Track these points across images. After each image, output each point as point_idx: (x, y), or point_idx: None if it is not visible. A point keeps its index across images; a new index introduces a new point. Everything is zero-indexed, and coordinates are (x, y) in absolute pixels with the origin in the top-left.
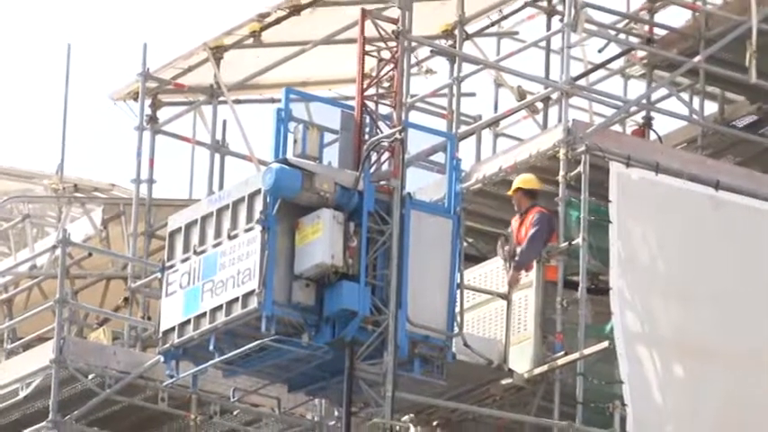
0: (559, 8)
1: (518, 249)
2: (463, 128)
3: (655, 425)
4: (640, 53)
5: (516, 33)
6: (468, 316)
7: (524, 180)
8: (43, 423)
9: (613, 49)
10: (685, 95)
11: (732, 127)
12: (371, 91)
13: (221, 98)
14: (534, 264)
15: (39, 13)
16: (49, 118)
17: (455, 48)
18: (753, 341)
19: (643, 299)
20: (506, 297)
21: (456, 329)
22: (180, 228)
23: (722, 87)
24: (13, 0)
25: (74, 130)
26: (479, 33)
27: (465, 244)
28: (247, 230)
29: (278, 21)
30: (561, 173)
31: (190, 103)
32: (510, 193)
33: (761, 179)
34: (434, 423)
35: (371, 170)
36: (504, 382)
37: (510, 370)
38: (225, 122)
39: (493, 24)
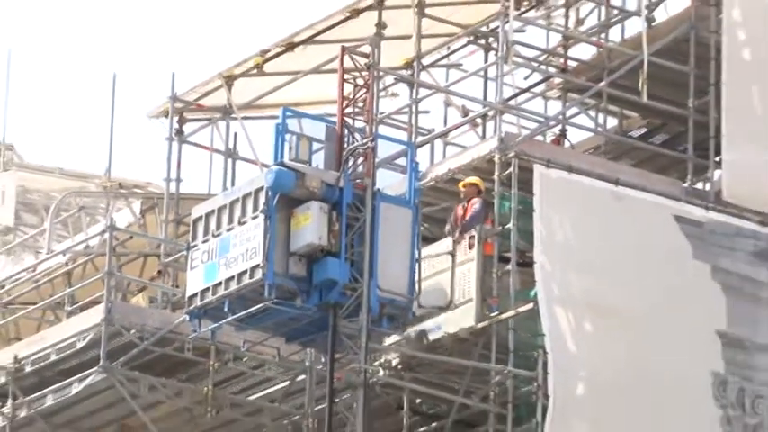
0: (494, 45)
1: (462, 223)
2: (420, 138)
3: (570, 369)
4: (557, 80)
5: (461, 65)
6: (424, 284)
7: (472, 179)
8: (95, 368)
9: (536, 77)
10: (592, 113)
11: (628, 137)
12: (349, 110)
13: (233, 116)
14: (476, 243)
15: (93, 46)
16: (100, 130)
17: (413, 76)
18: (646, 304)
19: (560, 270)
20: (452, 254)
21: (415, 294)
22: (201, 216)
23: (620, 106)
24: (73, 36)
25: (119, 140)
26: (432, 65)
27: (422, 228)
28: (253, 218)
29: (276, 55)
30: (496, 173)
31: (208, 120)
32: (461, 186)
33: (650, 177)
34: (399, 366)
35: (349, 171)
36: (452, 332)
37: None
38: (236, 135)
39: (443, 58)
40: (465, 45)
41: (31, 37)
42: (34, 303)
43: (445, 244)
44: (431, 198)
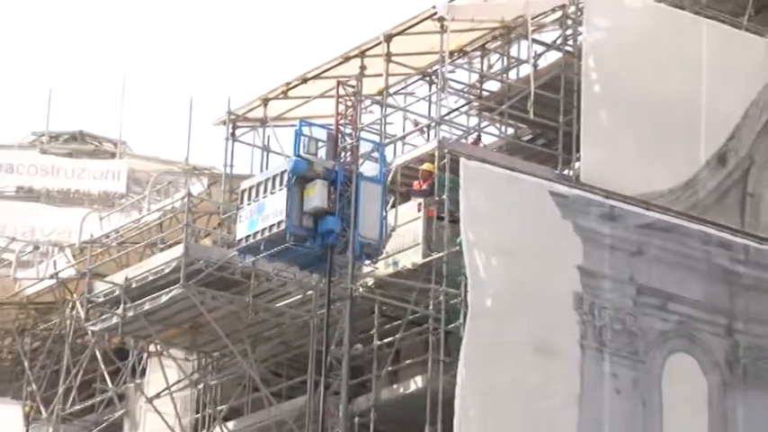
0: (435, 80)
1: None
2: (387, 140)
3: (482, 289)
4: (475, 104)
5: (414, 93)
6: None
7: (429, 165)
8: (177, 285)
9: (462, 102)
10: (498, 125)
11: (521, 141)
12: (342, 121)
13: (267, 124)
14: (423, 207)
15: (173, 73)
16: (181, 132)
17: (383, 100)
18: (531, 246)
19: (475, 225)
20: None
21: (382, 240)
22: (246, 188)
23: (516, 121)
24: (165, 65)
25: (194, 139)
26: (395, 93)
27: (389, 198)
28: (280, 190)
29: (296, 86)
30: (436, 163)
31: (251, 127)
32: (423, 169)
33: (534, 166)
34: (372, 286)
35: (342, 161)
36: (407, 265)
37: None
38: (269, 136)
39: (402, 89)
40: (416, 80)
41: (138, 63)
42: (138, 243)
43: (406, 208)
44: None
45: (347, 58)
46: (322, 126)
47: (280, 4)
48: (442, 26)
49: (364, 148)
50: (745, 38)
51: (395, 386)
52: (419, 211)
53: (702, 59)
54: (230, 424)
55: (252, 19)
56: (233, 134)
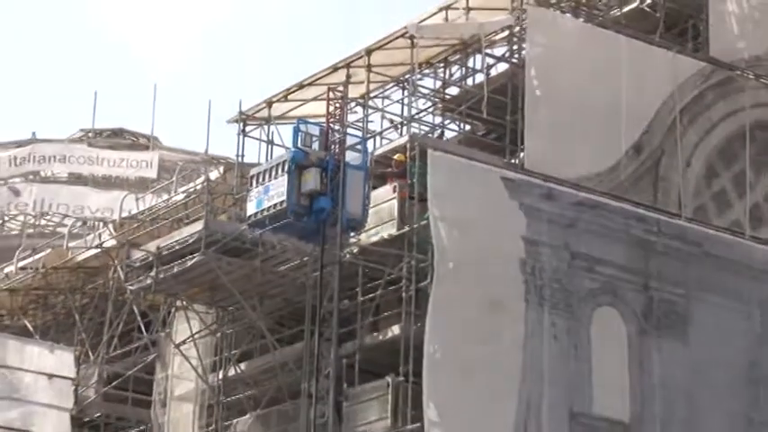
0: (407, 86)
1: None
2: (368, 135)
3: (445, 255)
4: (440, 105)
5: (389, 96)
6: (371, 211)
7: (401, 156)
8: (198, 252)
9: (428, 104)
10: (458, 123)
11: (476, 135)
12: (332, 120)
13: (271, 122)
14: (397, 189)
15: (190, 77)
16: (202, 129)
17: (365, 103)
18: (482, 221)
19: (440, 203)
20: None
21: (365, 216)
22: (254, 174)
23: (473, 119)
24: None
25: (212, 133)
26: (375, 96)
27: (370, 181)
28: (282, 176)
29: (294, 91)
30: (407, 153)
31: (258, 124)
32: (397, 158)
33: (487, 156)
34: (356, 252)
35: (332, 152)
36: (384, 235)
37: None
38: (273, 133)
39: (380, 93)
40: (392, 87)
41: (167, 73)
42: (167, 218)
43: (383, 190)
44: (374, 166)
45: (336, 69)
46: (315, 124)
47: (282, 26)
48: (412, 42)
49: (350, 141)
50: (656, 51)
51: (375, 334)
52: (394, 192)
53: (622, 69)
54: (242, 365)
55: (259, 38)
56: (243, 130)
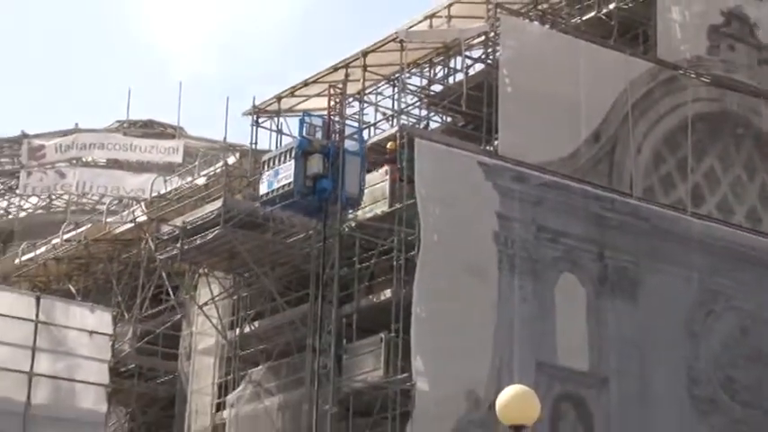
0: (397, 84)
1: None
2: (364, 126)
3: (429, 229)
4: (425, 100)
5: (382, 93)
6: (366, 191)
7: (392, 144)
8: (218, 227)
9: (415, 99)
10: (441, 115)
11: (457, 126)
12: (332, 113)
13: (281, 115)
14: (388, 172)
15: (210, 76)
16: (220, 120)
17: (361, 98)
18: (461, 199)
19: (425, 184)
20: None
21: (361, 195)
22: (266, 159)
23: (454, 112)
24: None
25: (230, 124)
26: (369, 93)
27: (365, 165)
28: (290, 160)
29: (300, 88)
30: (398, 141)
31: (270, 117)
32: (389, 147)
33: (466, 144)
34: (354, 226)
35: (333, 140)
36: (377, 212)
37: None
38: (282, 124)
39: (374, 89)
40: (384, 84)
41: (191, 72)
42: (191, 198)
43: (377, 173)
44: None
45: (335, 69)
46: (318, 116)
47: (290, 33)
48: (402, 46)
49: (348, 131)
50: (611, 54)
51: (370, 296)
52: (386, 175)
53: (582, 69)
54: (256, 323)
55: (270, 44)
56: (256, 122)
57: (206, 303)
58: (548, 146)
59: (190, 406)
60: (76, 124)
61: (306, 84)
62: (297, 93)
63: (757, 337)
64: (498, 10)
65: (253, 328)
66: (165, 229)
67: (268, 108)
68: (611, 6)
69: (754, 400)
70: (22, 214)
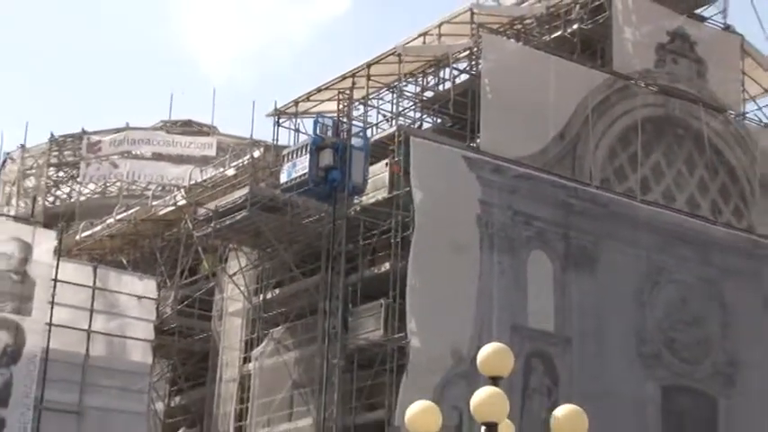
0: (395, 91)
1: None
2: (368, 125)
3: (422, 214)
4: (419, 105)
5: (383, 98)
6: (369, 181)
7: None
8: (245, 210)
9: (410, 103)
10: (432, 117)
11: (445, 126)
12: (341, 115)
13: (298, 117)
14: (389, 166)
15: (231, 79)
16: (247, 120)
17: (365, 103)
18: (451, 189)
19: (419, 175)
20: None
21: (366, 183)
22: (286, 153)
23: (443, 114)
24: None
25: (256, 123)
26: (372, 98)
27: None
28: (305, 154)
29: (314, 93)
30: (396, 140)
31: (289, 118)
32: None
33: (453, 141)
34: (359, 209)
35: (341, 137)
36: (381, 198)
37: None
38: (299, 124)
39: (376, 95)
40: (384, 91)
41: (222, 80)
42: (223, 185)
43: (378, 165)
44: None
45: (344, 77)
46: (329, 117)
47: (306, 48)
48: (399, 59)
49: (354, 130)
50: (575, 66)
51: (372, 268)
52: (386, 167)
53: (550, 78)
54: (276, 290)
55: (289, 55)
56: (278, 122)
57: (235, 273)
58: (522, 143)
59: (221, 359)
60: (127, 123)
61: (319, 90)
62: (311, 98)
63: (695, 305)
64: (480, 29)
65: (274, 294)
66: (201, 211)
67: (287, 110)
68: (575, 27)
69: (691, 356)
70: (82, 198)
